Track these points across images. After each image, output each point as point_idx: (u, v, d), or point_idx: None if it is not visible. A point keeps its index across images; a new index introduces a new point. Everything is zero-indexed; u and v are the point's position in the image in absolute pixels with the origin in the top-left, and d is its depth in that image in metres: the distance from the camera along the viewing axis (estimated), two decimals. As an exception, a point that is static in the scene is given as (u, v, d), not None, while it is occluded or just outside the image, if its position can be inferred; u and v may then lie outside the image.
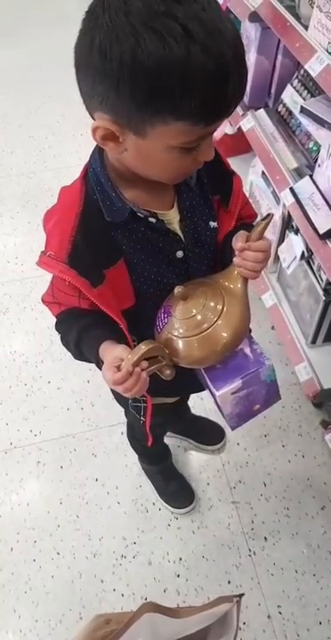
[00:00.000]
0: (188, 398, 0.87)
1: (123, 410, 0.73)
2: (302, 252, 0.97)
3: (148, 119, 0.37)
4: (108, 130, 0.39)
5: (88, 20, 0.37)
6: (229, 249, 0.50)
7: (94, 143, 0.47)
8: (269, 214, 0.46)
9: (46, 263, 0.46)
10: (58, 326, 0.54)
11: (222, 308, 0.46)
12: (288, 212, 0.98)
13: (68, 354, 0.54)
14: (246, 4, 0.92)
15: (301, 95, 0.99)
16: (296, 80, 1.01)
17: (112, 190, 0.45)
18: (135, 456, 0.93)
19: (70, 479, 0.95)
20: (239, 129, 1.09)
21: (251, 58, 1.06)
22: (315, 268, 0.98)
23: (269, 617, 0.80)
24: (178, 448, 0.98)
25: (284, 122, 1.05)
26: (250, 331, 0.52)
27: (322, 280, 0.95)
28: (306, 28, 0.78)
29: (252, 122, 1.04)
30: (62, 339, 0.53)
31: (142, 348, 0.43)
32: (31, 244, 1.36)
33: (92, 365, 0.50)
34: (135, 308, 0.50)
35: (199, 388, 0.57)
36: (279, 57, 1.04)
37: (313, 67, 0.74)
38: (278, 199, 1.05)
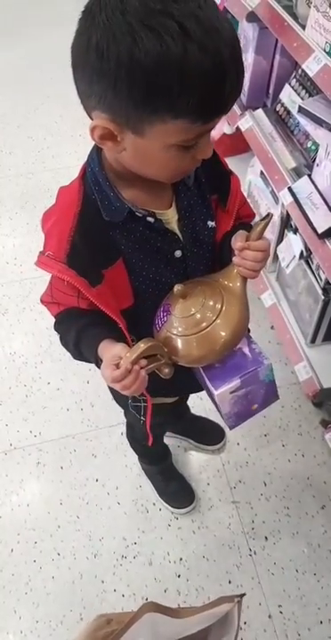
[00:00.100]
0: (187, 398, 0.87)
1: (122, 410, 0.74)
2: (301, 252, 0.97)
3: (146, 118, 0.37)
4: (106, 129, 0.39)
5: (85, 19, 0.37)
6: (227, 248, 0.50)
7: (93, 143, 0.47)
8: (268, 214, 0.46)
9: (45, 263, 0.46)
10: (57, 326, 0.54)
11: (221, 308, 0.46)
12: (287, 212, 0.98)
13: (68, 354, 0.54)
14: (244, 4, 0.93)
15: (299, 95, 0.99)
16: (294, 80, 1.01)
17: (110, 190, 0.45)
18: (135, 456, 0.93)
19: (70, 480, 0.95)
20: (238, 129, 1.09)
21: (249, 58, 1.06)
22: (314, 267, 0.98)
23: (269, 616, 0.80)
24: (178, 448, 0.98)
25: (282, 121, 1.05)
26: (249, 330, 0.52)
27: (321, 279, 0.95)
28: (304, 27, 0.78)
29: (250, 121, 1.04)
30: (61, 339, 0.53)
31: (141, 346, 0.43)
32: (30, 244, 1.36)
33: (92, 366, 0.50)
34: (134, 308, 0.50)
35: (198, 388, 0.57)
36: (277, 57, 1.04)
37: (311, 66, 0.74)
38: (276, 199, 1.05)
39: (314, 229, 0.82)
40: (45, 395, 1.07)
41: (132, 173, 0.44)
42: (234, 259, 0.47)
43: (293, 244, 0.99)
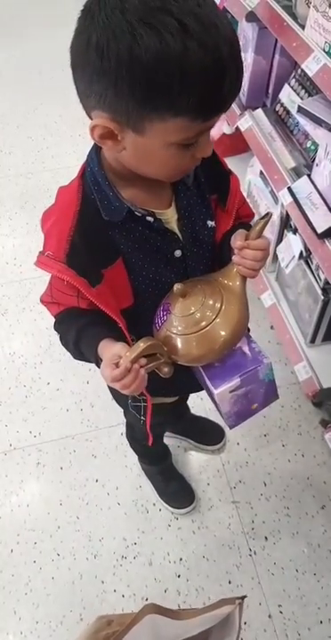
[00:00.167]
0: (187, 398, 0.87)
1: (122, 410, 0.73)
2: (301, 252, 0.97)
3: (146, 116, 0.37)
4: (106, 128, 0.39)
5: (84, 18, 0.37)
6: (227, 248, 0.50)
7: (92, 143, 0.47)
8: (268, 213, 0.46)
9: (45, 263, 0.46)
10: (57, 326, 0.54)
11: (221, 307, 0.46)
12: (286, 212, 0.98)
13: (68, 355, 0.54)
14: (243, 4, 0.93)
15: (298, 94, 0.99)
16: (294, 79, 1.01)
17: (109, 189, 0.45)
18: (135, 457, 0.93)
19: (70, 480, 0.95)
20: (237, 129, 1.09)
21: (248, 58, 1.06)
22: (313, 267, 0.98)
23: (269, 616, 0.80)
24: (178, 448, 0.98)
25: (281, 121, 1.05)
26: (249, 330, 0.52)
27: (321, 279, 0.95)
28: (303, 27, 0.78)
29: (250, 121, 1.04)
30: (61, 338, 0.53)
31: (141, 345, 0.43)
32: (29, 244, 1.35)
33: (92, 366, 0.50)
34: (134, 308, 0.50)
35: (198, 387, 0.57)
36: (277, 56, 1.04)
37: (310, 66, 0.74)
38: (276, 199, 1.05)
39: (314, 229, 0.82)
40: (45, 395, 1.07)
41: (131, 173, 0.44)
42: (234, 258, 0.47)
43: (292, 244, 0.99)
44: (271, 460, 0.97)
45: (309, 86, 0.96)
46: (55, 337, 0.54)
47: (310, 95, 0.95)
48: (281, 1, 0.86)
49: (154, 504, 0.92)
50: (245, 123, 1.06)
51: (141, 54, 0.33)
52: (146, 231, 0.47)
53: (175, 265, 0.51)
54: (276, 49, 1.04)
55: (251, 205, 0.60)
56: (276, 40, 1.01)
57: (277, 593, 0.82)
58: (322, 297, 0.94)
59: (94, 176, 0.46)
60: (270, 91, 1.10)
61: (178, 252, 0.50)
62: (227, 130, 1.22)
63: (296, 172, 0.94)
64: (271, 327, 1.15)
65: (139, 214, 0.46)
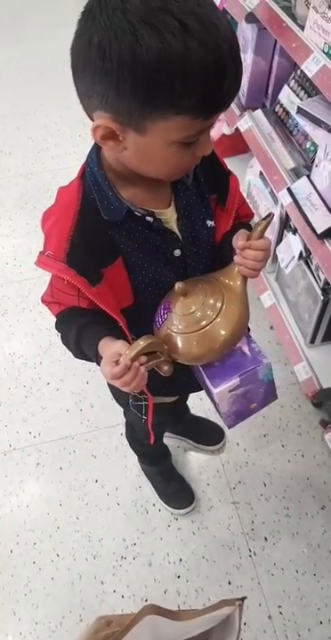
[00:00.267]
0: (186, 398, 0.87)
1: (122, 410, 0.73)
2: (301, 252, 0.97)
3: (148, 115, 0.37)
4: (108, 129, 0.39)
5: (84, 20, 0.37)
6: (227, 248, 0.50)
7: (92, 143, 0.47)
8: (269, 213, 0.47)
9: (45, 263, 0.46)
10: (58, 326, 0.54)
11: (222, 306, 0.46)
12: (286, 212, 0.98)
13: (67, 355, 0.54)
14: (243, 5, 0.93)
15: (298, 95, 0.99)
16: (293, 80, 1.02)
17: (109, 189, 0.45)
18: (135, 457, 0.93)
19: (70, 480, 0.95)
20: (237, 129, 1.10)
21: (248, 58, 1.06)
22: (313, 267, 0.98)
23: (269, 617, 0.80)
24: (177, 449, 0.98)
25: (281, 122, 1.05)
26: (248, 330, 0.52)
27: (320, 280, 0.95)
28: (302, 28, 0.78)
29: (249, 122, 1.05)
30: (62, 338, 0.53)
31: (141, 343, 0.44)
32: (30, 245, 1.36)
33: (92, 366, 0.50)
34: (134, 307, 0.50)
35: (198, 387, 0.57)
36: (276, 57, 1.05)
37: (309, 67, 0.75)
38: (275, 199, 1.05)
39: (313, 230, 0.82)
40: (45, 395, 1.07)
41: (131, 173, 0.44)
42: (235, 258, 0.48)
43: (292, 245, 0.99)
44: (271, 461, 0.97)
45: (308, 87, 0.97)
46: (55, 337, 0.54)
47: (309, 96, 0.96)
48: (281, 2, 0.86)
49: (154, 504, 0.91)
50: (244, 123, 1.06)
51: (143, 54, 0.34)
52: (145, 231, 0.48)
53: (175, 264, 0.51)
54: (275, 50, 1.04)
55: (251, 206, 0.60)
56: (275, 41, 1.01)
57: (277, 594, 0.82)
58: (322, 297, 0.94)
59: (94, 176, 0.46)
60: (270, 91, 1.10)
61: (177, 252, 0.50)
62: (226, 130, 1.23)
63: (296, 173, 0.94)
64: (271, 327, 1.15)
65: (138, 214, 0.46)
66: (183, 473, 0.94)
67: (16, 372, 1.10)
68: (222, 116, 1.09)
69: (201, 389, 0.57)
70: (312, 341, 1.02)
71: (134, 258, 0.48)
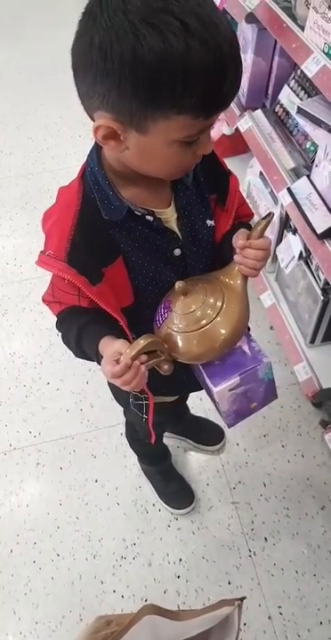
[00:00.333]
0: (186, 398, 0.87)
1: (122, 410, 0.73)
2: (301, 252, 0.97)
3: (149, 115, 0.37)
4: (109, 128, 0.39)
5: (85, 20, 0.37)
6: (228, 248, 0.50)
7: (92, 143, 0.47)
8: (270, 213, 0.47)
9: (46, 262, 0.46)
10: (59, 325, 0.54)
11: (222, 305, 0.46)
12: (286, 213, 0.98)
13: (68, 355, 0.54)
14: (243, 6, 0.93)
15: (298, 96, 0.99)
16: (293, 81, 1.02)
17: (109, 189, 0.46)
18: (135, 457, 0.93)
19: (70, 480, 0.95)
20: (237, 129, 1.10)
21: (248, 59, 1.06)
22: (313, 267, 0.98)
23: (269, 617, 0.79)
24: (177, 449, 0.98)
25: (281, 122, 1.05)
26: (248, 329, 0.52)
27: (320, 280, 0.95)
28: (302, 28, 0.78)
29: (249, 122, 1.05)
30: (63, 337, 0.53)
31: (141, 342, 0.44)
32: (30, 245, 1.36)
33: (91, 366, 0.50)
34: (134, 306, 0.50)
35: (198, 387, 0.57)
36: (276, 58, 1.05)
37: (309, 67, 0.75)
38: (275, 199, 1.05)
39: (313, 230, 0.82)
40: (45, 395, 1.07)
41: (131, 172, 0.45)
42: (235, 257, 0.48)
43: (292, 245, 0.99)
44: (271, 461, 0.97)
45: (308, 87, 0.97)
46: (55, 337, 0.54)
47: (309, 96, 0.96)
48: (281, 2, 0.86)
49: (153, 504, 0.91)
50: (244, 123, 1.06)
51: (145, 55, 0.34)
52: (146, 230, 0.48)
53: (175, 264, 0.51)
54: (275, 50, 1.04)
55: (251, 206, 0.60)
56: (275, 41, 1.01)
57: (276, 594, 0.82)
58: (322, 297, 0.94)
59: (94, 176, 0.46)
60: (270, 92, 1.10)
61: (177, 251, 0.50)
62: (227, 131, 1.23)
63: (296, 173, 0.94)
64: (271, 327, 1.15)
65: (138, 213, 0.46)
66: (183, 473, 0.94)
67: (16, 371, 1.10)
68: (221, 116, 1.09)
69: (201, 389, 0.57)
70: (312, 341, 1.02)
71: (135, 257, 0.48)
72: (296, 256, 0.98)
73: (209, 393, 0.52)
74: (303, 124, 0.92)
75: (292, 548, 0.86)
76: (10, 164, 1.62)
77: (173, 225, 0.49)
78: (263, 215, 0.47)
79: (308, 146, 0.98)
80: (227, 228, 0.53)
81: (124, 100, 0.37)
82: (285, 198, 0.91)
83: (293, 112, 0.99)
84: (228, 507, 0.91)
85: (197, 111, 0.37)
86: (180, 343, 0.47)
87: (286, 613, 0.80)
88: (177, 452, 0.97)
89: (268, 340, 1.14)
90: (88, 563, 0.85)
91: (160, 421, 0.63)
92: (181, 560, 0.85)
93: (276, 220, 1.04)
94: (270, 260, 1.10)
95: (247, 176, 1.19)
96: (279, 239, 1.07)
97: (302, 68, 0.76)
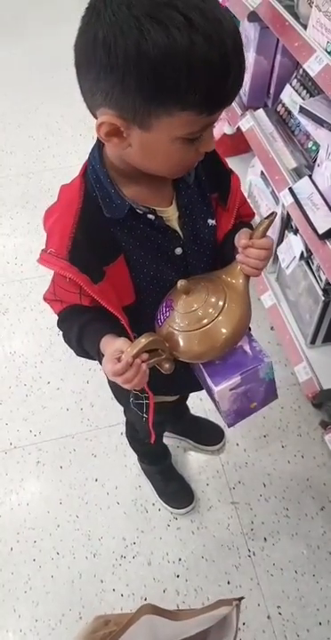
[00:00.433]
0: (186, 398, 0.87)
1: (122, 410, 0.73)
2: (302, 253, 0.97)
3: (153, 111, 0.37)
4: (112, 125, 0.39)
5: (89, 16, 0.37)
6: (229, 247, 0.50)
7: (94, 142, 0.47)
8: (272, 212, 0.47)
9: (47, 260, 0.46)
10: (60, 324, 0.54)
11: (224, 305, 0.46)
12: (287, 213, 0.98)
13: (68, 354, 0.54)
14: (245, 4, 0.93)
15: (300, 95, 0.99)
16: (295, 80, 1.01)
17: (111, 187, 0.45)
18: (135, 456, 0.93)
19: (70, 479, 0.95)
20: (238, 129, 1.09)
21: (250, 58, 1.06)
22: (314, 268, 0.98)
23: (268, 617, 0.80)
24: (177, 448, 0.98)
25: (283, 122, 1.05)
26: (249, 329, 0.52)
27: (321, 280, 0.95)
28: (305, 27, 0.78)
29: (251, 122, 1.04)
30: (64, 336, 0.53)
31: (142, 341, 0.44)
32: (30, 244, 1.36)
33: (92, 365, 0.50)
34: (136, 305, 0.50)
35: (198, 387, 0.57)
36: (278, 57, 1.04)
37: (312, 66, 0.74)
38: (277, 199, 1.05)
39: (315, 230, 0.81)
40: (45, 394, 1.07)
41: (133, 170, 0.44)
42: (237, 256, 0.48)
43: (293, 245, 0.99)
44: (271, 461, 0.97)
45: (310, 86, 0.96)
46: (56, 336, 0.54)
47: (311, 95, 0.95)
48: (283, 1, 0.86)
49: (153, 504, 0.92)
50: (246, 123, 1.06)
51: (149, 49, 0.34)
52: (147, 229, 0.48)
53: (176, 263, 0.51)
54: (277, 49, 1.04)
55: (252, 206, 0.60)
56: (278, 40, 1.01)
57: (276, 594, 0.82)
58: (323, 298, 0.94)
59: (96, 174, 0.46)
60: (272, 91, 1.10)
61: (179, 250, 0.50)
62: (228, 130, 1.22)
63: (297, 173, 0.94)
64: (271, 328, 1.15)
65: (140, 212, 0.46)
66: (183, 473, 0.94)
67: (17, 370, 1.10)
68: (223, 115, 1.08)
69: (202, 389, 0.57)
70: (313, 342, 1.02)
71: (136, 256, 0.48)
72: (297, 256, 0.98)
73: (209, 392, 0.52)
74: (305, 123, 0.92)
75: (291, 548, 0.86)
76: (10, 163, 1.61)
77: (175, 224, 0.49)
78: (264, 215, 0.47)
79: (310, 145, 0.97)
80: (228, 228, 0.53)
81: (127, 97, 0.36)
82: (286, 198, 0.91)
83: (295, 111, 0.99)
84: (227, 507, 0.91)
85: (200, 107, 0.37)
86: (181, 342, 0.47)
87: (285, 613, 0.80)
88: (177, 452, 0.97)
89: (268, 341, 1.14)
90: (88, 561, 0.85)
91: (160, 421, 0.63)
92: (180, 559, 0.85)
93: (277, 220, 1.04)
94: (270, 260, 1.10)
95: (249, 176, 1.19)
96: (280, 239, 1.06)
97: (305, 66, 0.76)
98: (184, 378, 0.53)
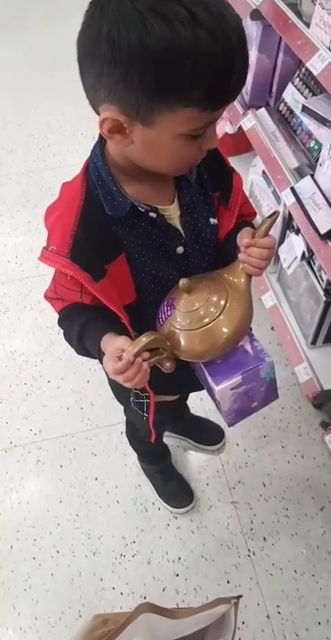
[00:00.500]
0: (187, 397, 0.87)
1: (122, 409, 0.73)
2: (303, 253, 0.97)
3: (156, 107, 0.37)
4: (115, 121, 0.39)
5: (93, 10, 0.37)
6: (231, 247, 0.50)
7: (95, 140, 0.47)
8: (275, 212, 0.47)
9: (48, 258, 0.46)
10: (61, 322, 0.54)
11: (225, 304, 0.46)
12: (289, 212, 0.97)
13: (68, 353, 0.54)
14: (248, 2, 0.92)
15: (302, 94, 0.99)
16: (298, 78, 1.01)
17: (113, 185, 0.45)
18: (135, 455, 0.93)
19: (70, 478, 0.95)
20: (240, 128, 1.09)
21: (252, 56, 1.06)
22: (316, 268, 0.97)
23: (268, 617, 0.80)
24: (177, 448, 0.98)
25: (285, 121, 1.05)
26: (251, 328, 0.52)
27: (323, 280, 0.95)
28: (308, 25, 0.78)
29: (253, 121, 1.04)
30: (65, 334, 0.53)
31: (143, 339, 0.44)
32: (31, 243, 1.35)
33: (92, 365, 0.50)
34: (137, 304, 0.50)
35: (199, 387, 0.57)
36: (281, 55, 1.04)
37: (315, 65, 0.74)
38: (278, 199, 1.04)
39: (316, 230, 0.81)
40: (46, 393, 1.07)
41: (135, 168, 0.44)
42: (240, 255, 0.48)
43: (294, 245, 0.99)
44: (271, 461, 0.97)
45: (313, 86, 0.96)
46: (56, 335, 0.54)
47: (313, 94, 0.95)
48: (286, -1, 0.85)
49: (153, 503, 0.92)
50: (248, 122, 1.05)
51: (153, 44, 0.34)
52: (149, 227, 0.47)
53: (177, 261, 0.51)
54: (280, 47, 1.03)
55: (253, 205, 0.60)
56: (280, 38, 1.00)
57: (275, 593, 0.82)
58: (324, 298, 0.94)
59: (98, 171, 0.46)
60: (274, 90, 1.10)
61: (180, 249, 0.50)
62: (230, 129, 1.22)
63: (299, 172, 0.94)
64: (272, 328, 1.14)
65: (142, 210, 0.46)
66: (183, 472, 0.94)
67: (17, 369, 1.10)
68: (225, 114, 1.07)
69: (202, 389, 0.57)
70: (314, 342, 1.02)
71: (137, 254, 0.48)
72: (299, 256, 0.98)
73: (210, 392, 0.52)
74: (308, 122, 0.92)
75: (291, 548, 0.87)
76: (11, 162, 1.61)
77: (176, 222, 0.49)
78: (266, 215, 0.47)
79: (312, 145, 0.97)
80: (230, 227, 0.53)
81: (130, 92, 0.36)
82: (288, 198, 0.90)
83: (297, 110, 0.99)
84: (227, 506, 0.91)
85: (203, 103, 0.37)
86: (182, 341, 0.47)
87: (284, 613, 0.80)
88: (177, 452, 0.97)
89: (269, 341, 1.14)
90: (88, 560, 0.85)
91: (160, 420, 0.63)
92: (180, 559, 0.85)
93: (278, 219, 1.03)
94: (272, 260, 1.10)
95: (250, 175, 1.18)
96: (282, 239, 1.06)
97: (308, 65, 0.76)
98: (185, 377, 0.53)
